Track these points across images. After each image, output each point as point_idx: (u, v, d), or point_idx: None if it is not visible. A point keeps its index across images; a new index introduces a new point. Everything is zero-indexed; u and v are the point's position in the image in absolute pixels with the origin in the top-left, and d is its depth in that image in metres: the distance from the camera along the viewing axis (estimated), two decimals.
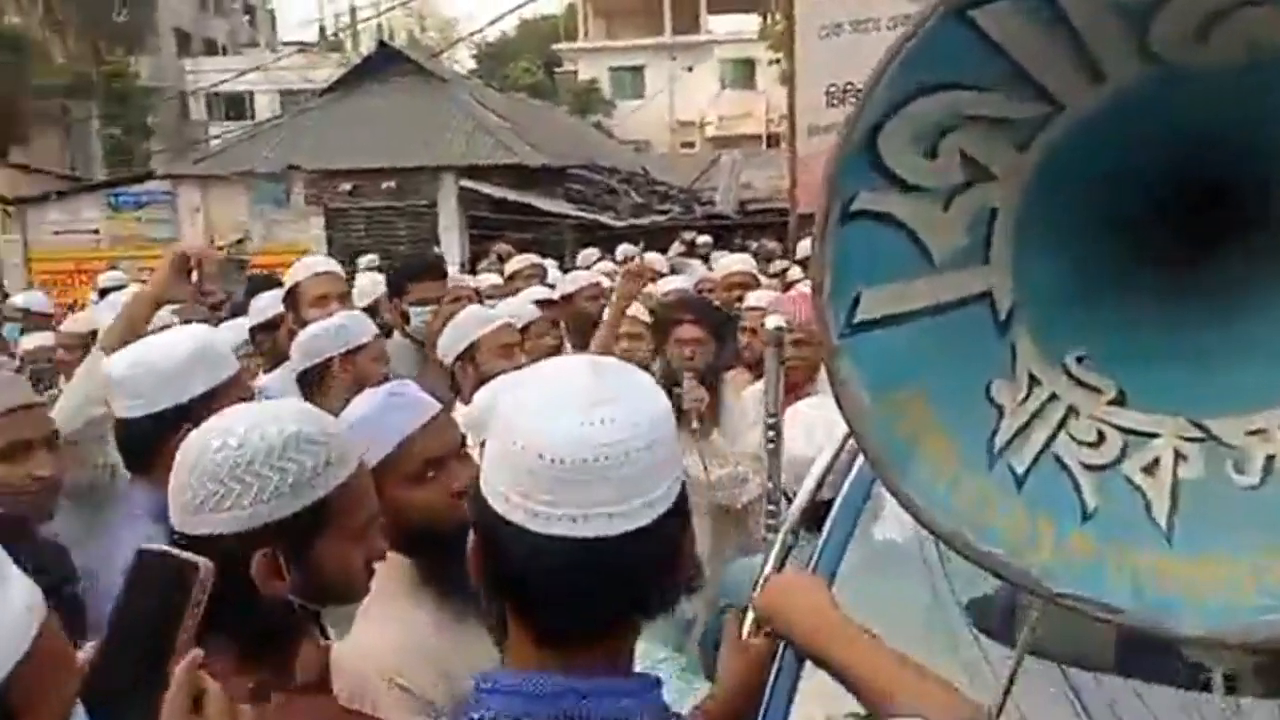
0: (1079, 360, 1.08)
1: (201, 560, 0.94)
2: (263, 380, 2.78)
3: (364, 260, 8.72)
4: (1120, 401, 1.04)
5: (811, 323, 3.01)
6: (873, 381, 1.01)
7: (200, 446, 1.15)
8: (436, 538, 1.43)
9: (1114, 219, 1.10)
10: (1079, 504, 0.97)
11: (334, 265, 3.38)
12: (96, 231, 16.08)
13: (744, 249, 13.29)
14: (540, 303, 3.78)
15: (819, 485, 1.27)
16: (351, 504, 1.17)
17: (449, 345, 2.83)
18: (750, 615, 1.14)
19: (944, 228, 1.04)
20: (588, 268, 6.32)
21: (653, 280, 4.25)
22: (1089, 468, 0.99)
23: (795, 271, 5.86)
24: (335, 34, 32.59)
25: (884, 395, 1.01)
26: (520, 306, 3.50)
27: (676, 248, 10.24)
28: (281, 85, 28.09)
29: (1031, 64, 0.96)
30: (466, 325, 2.83)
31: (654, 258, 6.70)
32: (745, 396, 3.09)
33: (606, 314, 3.50)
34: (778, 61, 23.81)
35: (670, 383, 2.75)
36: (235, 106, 29.14)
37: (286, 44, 33.69)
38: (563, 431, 0.86)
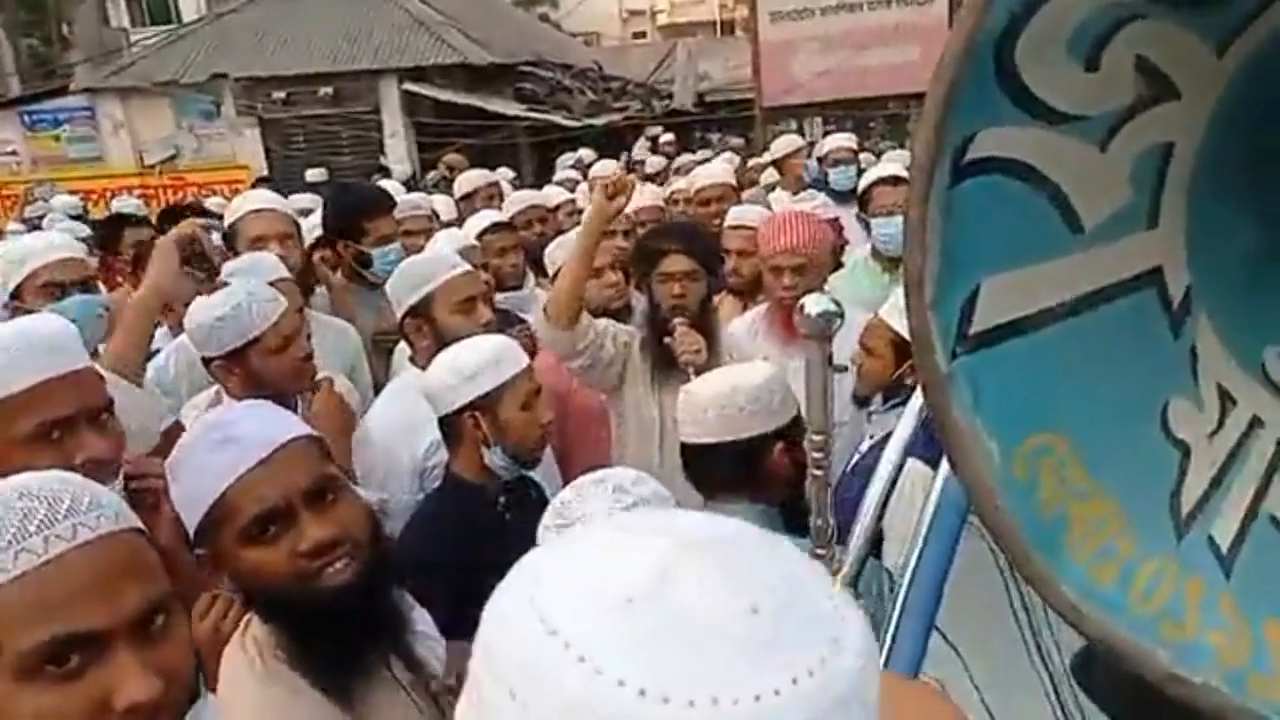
0: None
1: None
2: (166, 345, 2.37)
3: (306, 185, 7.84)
4: None
5: (813, 243, 2.64)
6: (1002, 424, 0.67)
7: None
8: (284, 608, 1.13)
9: None
10: None
11: (276, 201, 2.90)
12: (15, 153, 15.10)
13: (705, 144, 12.75)
14: (496, 227, 3.35)
15: (878, 520, 0.95)
16: None
17: (399, 295, 2.30)
18: None
19: (1100, 177, 0.68)
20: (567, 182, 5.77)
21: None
22: None
23: (771, 174, 5.40)
24: None
25: (1019, 444, 0.67)
26: (464, 239, 3.04)
27: (642, 144, 9.67)
28: None
29: None
30: (417, 273, 2.29)
31: (605, 166, 6.12)
32: (733, 329, 2.71)
33: (575, 244, 2.38)
34: None
35: (659, 331, 2.35)
36: (159, 11, 27.27)
37: None
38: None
